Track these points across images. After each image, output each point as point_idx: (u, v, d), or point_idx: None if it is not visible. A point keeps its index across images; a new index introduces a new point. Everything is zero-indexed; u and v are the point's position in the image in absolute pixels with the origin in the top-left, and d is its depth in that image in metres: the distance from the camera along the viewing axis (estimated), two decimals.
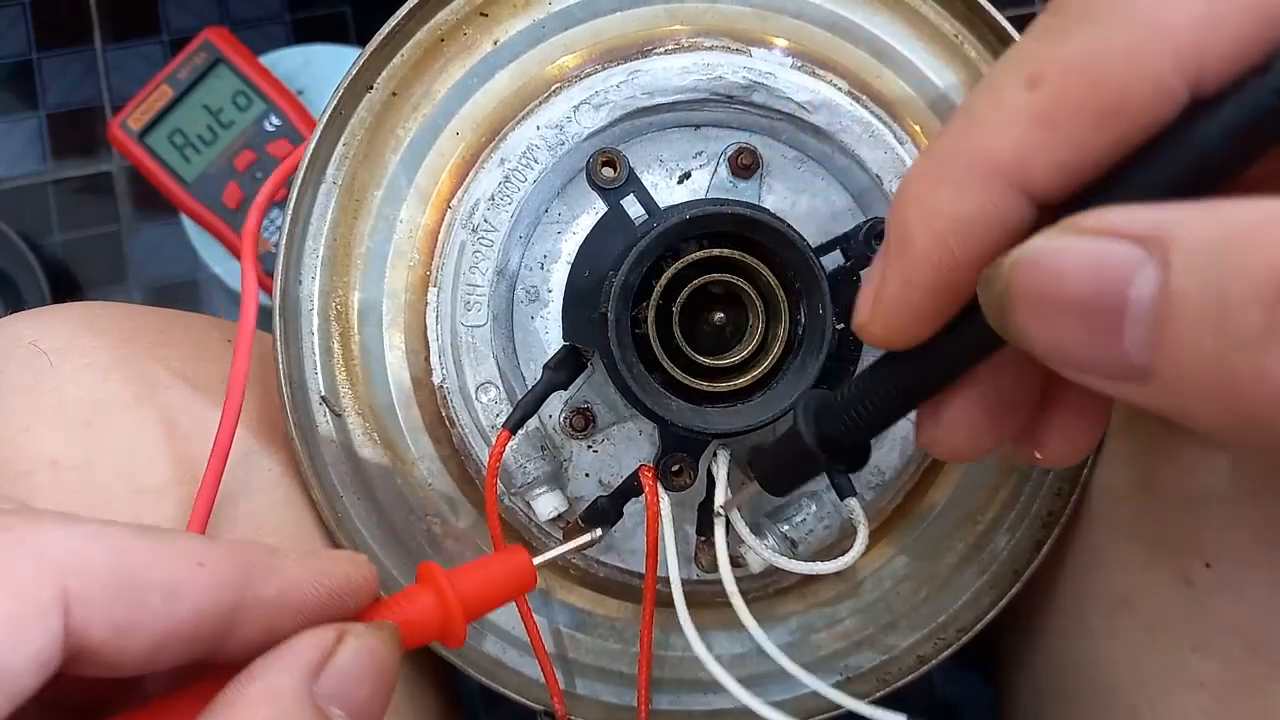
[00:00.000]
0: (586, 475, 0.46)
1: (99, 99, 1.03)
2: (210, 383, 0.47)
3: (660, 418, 0.40)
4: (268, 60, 0.97)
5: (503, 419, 0.43)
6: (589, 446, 0.46)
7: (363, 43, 1.01)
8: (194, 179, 0.97)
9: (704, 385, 0.40)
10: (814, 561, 0.44)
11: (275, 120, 0.95)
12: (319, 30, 1.04)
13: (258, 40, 0.96)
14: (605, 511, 0.44)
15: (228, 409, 0.42)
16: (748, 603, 0.45)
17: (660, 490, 0.43)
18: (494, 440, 0.42)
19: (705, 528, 0.45)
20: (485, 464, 0.44)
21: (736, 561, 0.45)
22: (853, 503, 0.44)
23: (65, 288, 1.01)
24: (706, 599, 0.48)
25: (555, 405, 0.45)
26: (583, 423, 0.45)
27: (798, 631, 0.50)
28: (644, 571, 0.45)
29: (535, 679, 0.48)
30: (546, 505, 0.44)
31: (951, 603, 0.49)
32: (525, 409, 0.42)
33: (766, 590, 0.49)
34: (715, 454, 0.44)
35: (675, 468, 0.43)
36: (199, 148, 0.96)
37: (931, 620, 0.49)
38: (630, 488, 0.44)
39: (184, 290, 0.99)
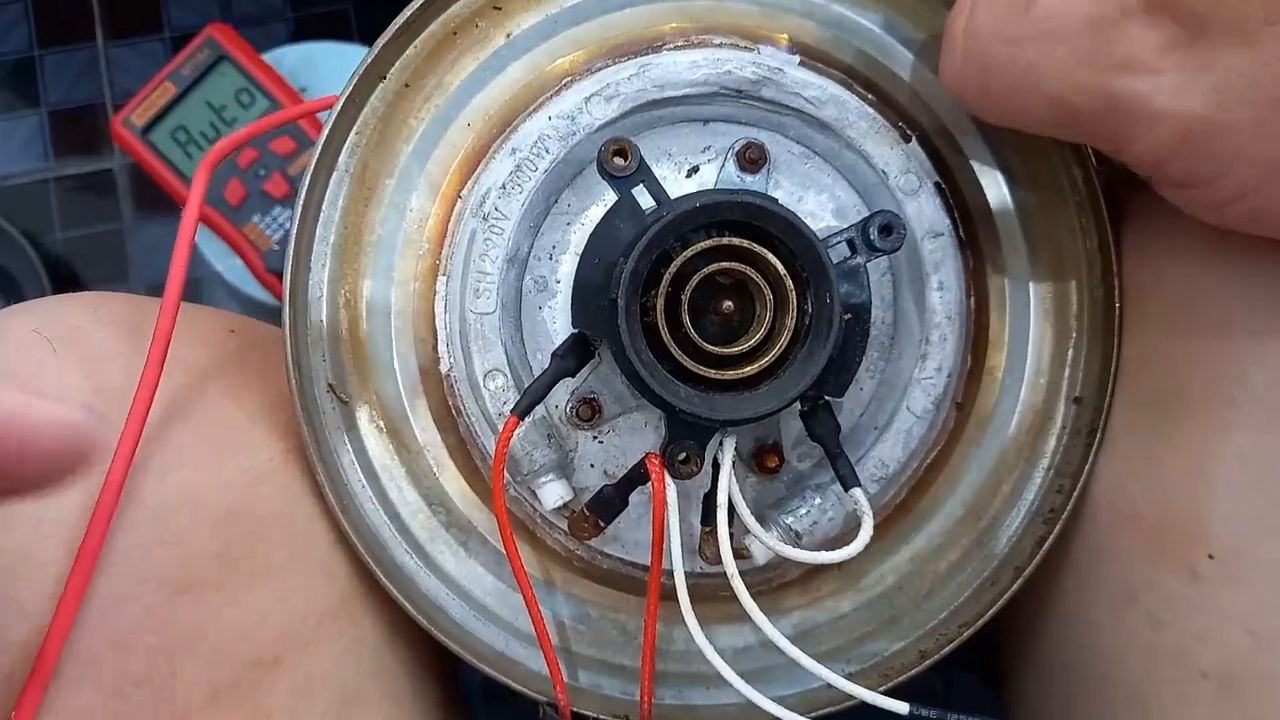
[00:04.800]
0: (591, 466, 0.46)
1: (100, 96, 1.03)
2: (212, 373, 0.47)
3: (668, 404, 0.40)
4: (269, 58, 0.97)
5: (510, 407, 0.43)
6: (594, 437, 0.46)
7: (364, 40, 1.01)
8: None
9: (711, 373, 0.40)
10: (819, 551, 0.44)
11: None
12: (321, 28, 1.04)
13: (259, 38, 0.96)
14: (610, 501, 0.45)
15: (156, 340, 0.42)
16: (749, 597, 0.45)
17: (667, 478, 0.43)
18: (501, 427, 0.42)
19: (710, 518, 0.45)
20: (492, 452, 0.45)
21: (740, 553, 0.45)
22: (857, 493, 0.44)
23: (67, 285, 1.01)
24: (710, 592, 0.48)
25: (561, 395, 0.45)
26: (589, 412, 0.45)
27: (800, 626, 0.50)
28: (647, 563, 0.45)
29: (538, 671, 0.48)
30: (552, 494, 0.44)
31: (954, 598, 0.49)
32: (534, 395, 0.42)
33: (769, 584, 0.49)
34: (721, 443, 0.44)
35: (682, 455, 0.43)
36: (202, 144, 0.96)
37: (934, 616, 0.49)
38: (636, 476, 0.44)
39: (185, 288, 0.99)
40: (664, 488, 0.43)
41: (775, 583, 0.49)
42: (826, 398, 0.45)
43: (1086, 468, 0.49)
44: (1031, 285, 0.49)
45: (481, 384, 0.44)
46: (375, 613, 0.49)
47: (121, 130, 0.97)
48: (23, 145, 1.05)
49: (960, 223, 0.48)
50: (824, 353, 0.40)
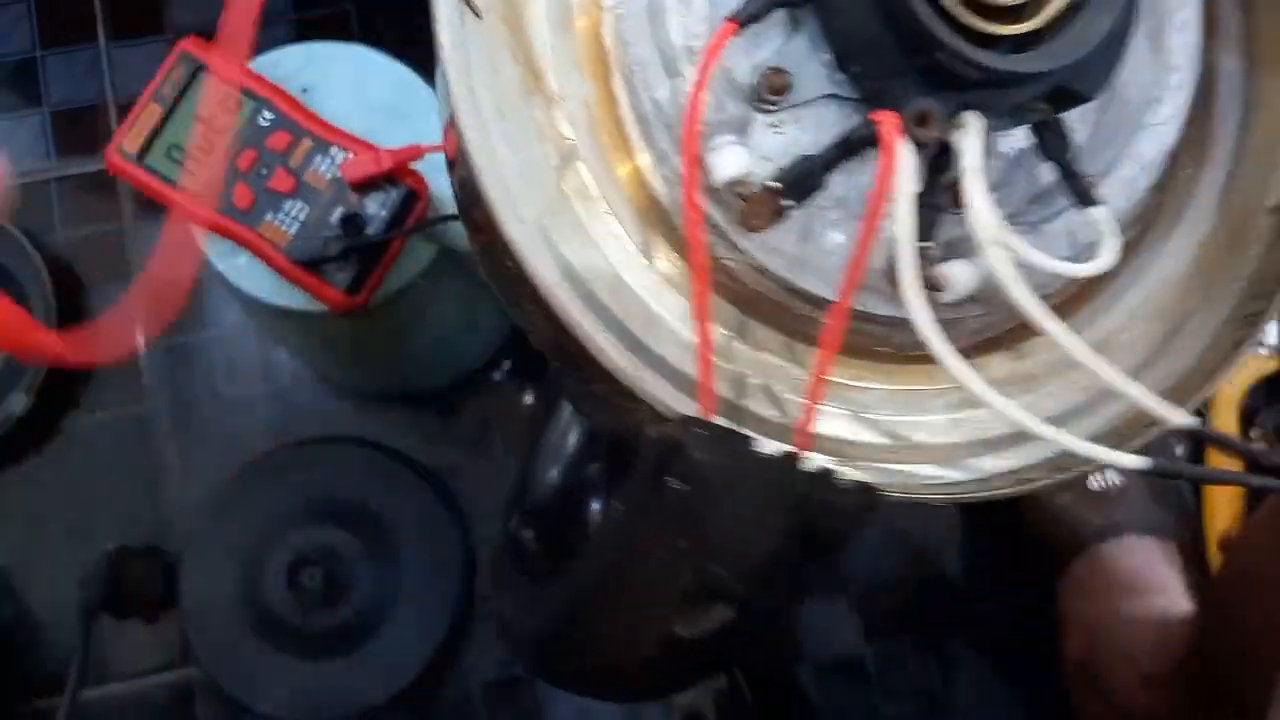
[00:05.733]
0: (766, 160, 0.37)
1: (102, 97, 1.03)
2: None
3: (928, 38, 0.32)
4: (270, 59, 0.93)
5: (701, 42, 0.35)
6: (774, 126, 0.37)
7: (366, 41, 1.00)
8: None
9: (978, 22, 0.33)
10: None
11: (268, 115, 0.93)
12: (322, 29, 1.05)
13: (261, 40, 0.96)
14: (803, 177, 0.36)
15: None
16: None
17: (905, 139, 0.34)
18: (687, 63, 0.34)
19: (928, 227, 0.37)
20: (657, 105, 0.36)
21: (934, 284, 0.37)
22: (1102, 211, 0.38)
23: (67, 284, 1.02)
24: (864, 347, 0.40)
25: (743, 63, 0.36)
26: (778, 87, 0.36)
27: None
28: (811, 290, 0.37)
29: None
30: (731, 162, 0.35)
31: (1198, 341, 0.41)
32: (751, 7, 0.34)
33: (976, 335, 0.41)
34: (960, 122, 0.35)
35: (920, 114, 0.34)
36: (198, 158, 0.92)
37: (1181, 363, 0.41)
38: (851, 142, 0.35)
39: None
40: (898, 155, 0.33)
41: (984, 336, 0.41)
42: (1057, 116, 0.38)
43: None
44: None
45: (666, 8, 0.35)
46: None
47: (116, 159, 0.94)
48: (25, 145, 1.07)
49: None
50: (1110, 15, 0.34)
